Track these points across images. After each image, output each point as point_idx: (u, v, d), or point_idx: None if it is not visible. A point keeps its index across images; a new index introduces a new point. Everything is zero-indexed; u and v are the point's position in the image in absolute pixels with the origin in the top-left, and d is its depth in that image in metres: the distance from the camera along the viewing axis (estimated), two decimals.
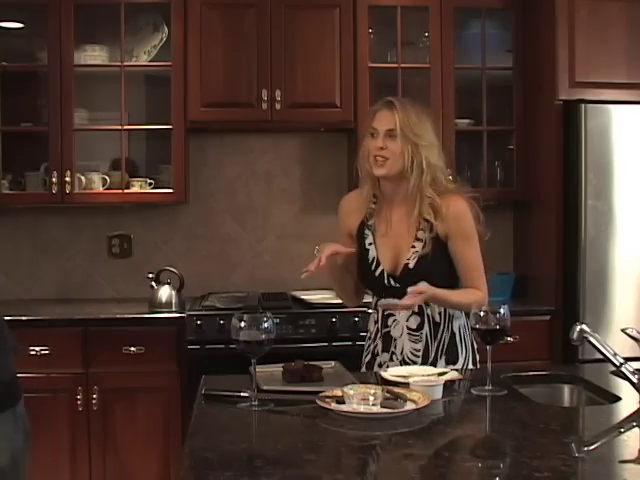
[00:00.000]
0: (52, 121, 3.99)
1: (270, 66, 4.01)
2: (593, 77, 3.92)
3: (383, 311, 2.75)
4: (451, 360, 2.73)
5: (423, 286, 2.56)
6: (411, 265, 2.67)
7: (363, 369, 2.82)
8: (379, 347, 2.77)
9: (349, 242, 2.79)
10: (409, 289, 2.55)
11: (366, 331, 2.88)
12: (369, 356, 2.82)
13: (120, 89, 4.00)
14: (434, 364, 2.68)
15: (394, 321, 2.74)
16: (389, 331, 2.74)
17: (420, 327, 2.70)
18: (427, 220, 2.66)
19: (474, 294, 2.66)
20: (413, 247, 2.68)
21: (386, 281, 2.71)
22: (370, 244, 2.75)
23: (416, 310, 2.69)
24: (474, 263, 2.69)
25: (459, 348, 2.74)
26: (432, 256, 2.66)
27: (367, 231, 2.77)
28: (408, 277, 2.65)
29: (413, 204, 2.67)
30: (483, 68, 4.22)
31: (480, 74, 4.21)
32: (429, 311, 2.71)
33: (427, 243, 2.66)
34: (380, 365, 2.77)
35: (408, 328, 2.71)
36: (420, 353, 2.71)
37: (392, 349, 2.74)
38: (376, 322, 2.79)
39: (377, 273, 2.73)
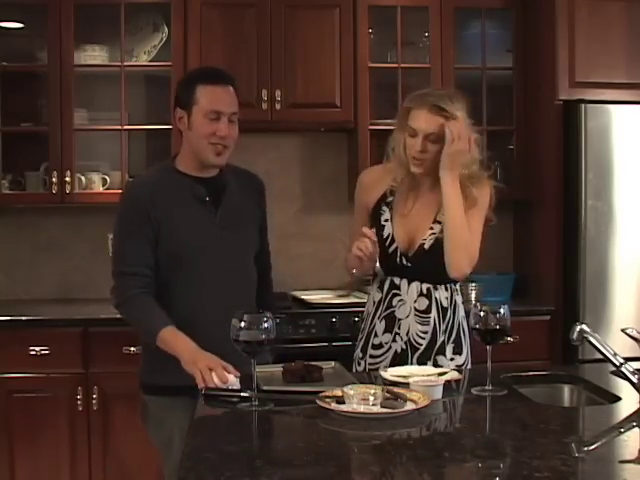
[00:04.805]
0: (52, 121, 3.98)
1: (270, 66, 4.01)
2: (593, 77, 3.92)
3: (387, 291, 2.74)
4: (457, 350, 2.74)
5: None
6: (426, 246, 2.69)
7: (358, 352, 2.80)
8: (379, 328, 2.75)
9: (366, 217, 2.79)
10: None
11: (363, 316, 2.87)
12: (363, 340, 2.80)
13: (120, 89, 3.99)
14: (442, 350, 2.70)
15: (400, 301, 2.72)
16: (393, 312, 2.72)
17: (428, 310, 2.70)
18: None
19: (467, 237, 2.64)
20: (431, 229, 2.70)
21: (398, 259, 2.72)
22: (386, 220, 2.75)
23: (424, 292, 2.70)
24: (472, 228, 2.66)
25: (462, 339, 2.76)
26: None
27: (384, 207, 2.76)
28: (421, 257, 2.68)
29: (440, 193, 2.65)
30: (483, 68, 4.22)
31: (480, 74, 4.21)
32: (437, 294, 2.71)
33: None
34: (375, 347, 2.75)
35: (416, 310, 2.71)
36: (427, 335, 2.70)
37: (396, 330, 2.72)
38: (379, 302, 2.76)
39: (390, 250, 2.72)
